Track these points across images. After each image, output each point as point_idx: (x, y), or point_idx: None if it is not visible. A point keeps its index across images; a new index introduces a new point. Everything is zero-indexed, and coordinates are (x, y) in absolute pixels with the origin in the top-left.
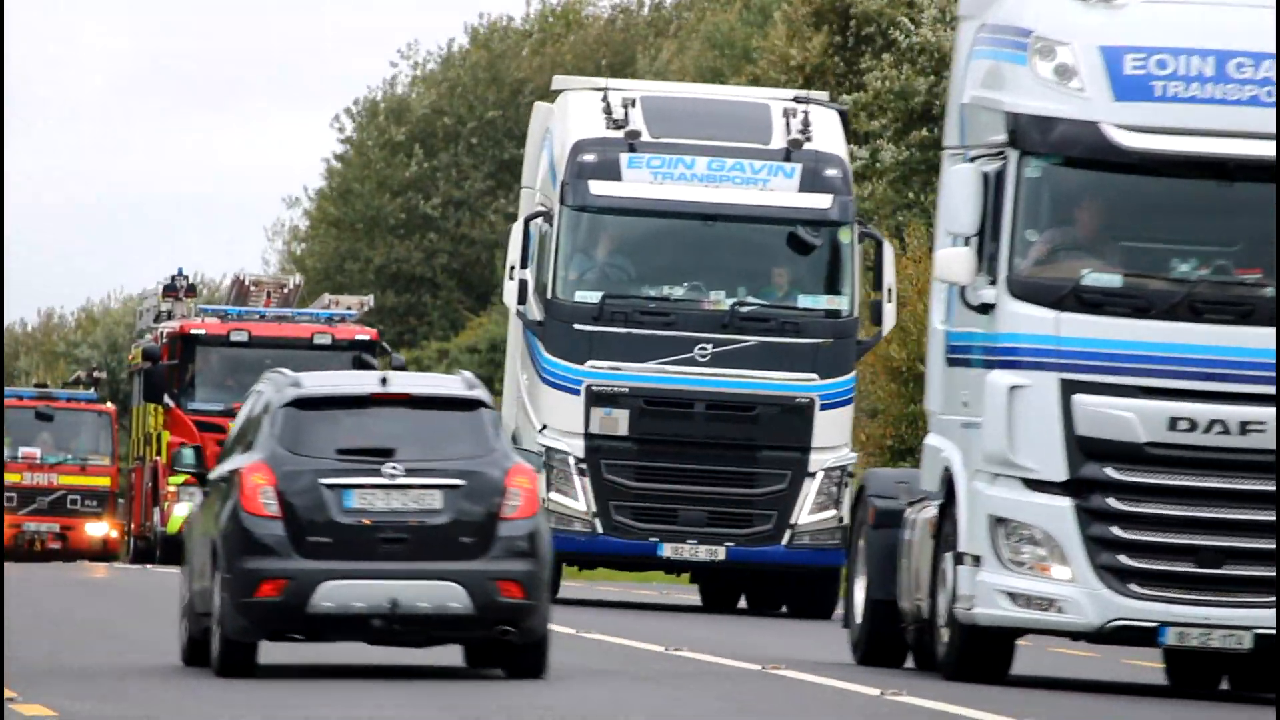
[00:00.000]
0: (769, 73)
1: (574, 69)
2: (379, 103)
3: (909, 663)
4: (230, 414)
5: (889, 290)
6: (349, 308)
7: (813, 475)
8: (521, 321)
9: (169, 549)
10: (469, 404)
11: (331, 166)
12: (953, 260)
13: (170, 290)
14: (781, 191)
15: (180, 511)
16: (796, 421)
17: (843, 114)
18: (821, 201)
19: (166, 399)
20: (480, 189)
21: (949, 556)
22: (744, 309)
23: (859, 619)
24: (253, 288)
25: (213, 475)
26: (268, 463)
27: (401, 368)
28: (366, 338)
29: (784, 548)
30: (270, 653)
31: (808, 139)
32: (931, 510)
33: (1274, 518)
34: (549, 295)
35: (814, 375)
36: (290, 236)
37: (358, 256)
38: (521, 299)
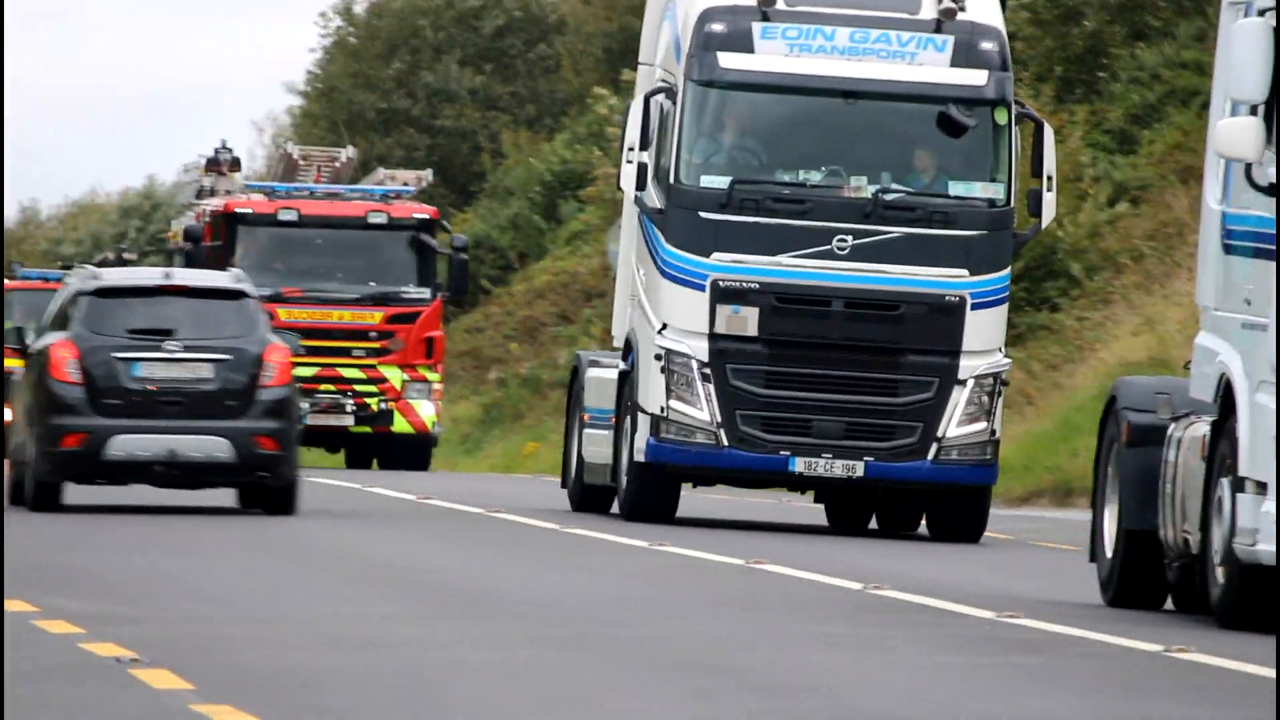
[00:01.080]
0: None
1: None
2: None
3: (1168, 604)
4: (279, 299)
5: (1049, 178)
6: (405, 183)
7: (962, 383)
8: (639, 210)
9: None
10: (235, 294)
11: (296, 84)
12: (1236, 131)
13: (213, 164)
14: (931, 66)
15: None
16: (945, 323)
17: None
18: (976, 78)
19: None
20: (458, 78)
21: (1226, 483)
22: (888, 196)
23: (1109, 553)
24: (301, 161)
25: (31, 350)
26: (73, 340)
27: (464, 249)
28: (425, 216)
29: (930, 463)
30: (78, 494)
31: (961, 9)
32: (1203, 426)
33: None
34: (671, 180)
35: (965, 271)
36: (277, 131)
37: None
38: (640, 185)
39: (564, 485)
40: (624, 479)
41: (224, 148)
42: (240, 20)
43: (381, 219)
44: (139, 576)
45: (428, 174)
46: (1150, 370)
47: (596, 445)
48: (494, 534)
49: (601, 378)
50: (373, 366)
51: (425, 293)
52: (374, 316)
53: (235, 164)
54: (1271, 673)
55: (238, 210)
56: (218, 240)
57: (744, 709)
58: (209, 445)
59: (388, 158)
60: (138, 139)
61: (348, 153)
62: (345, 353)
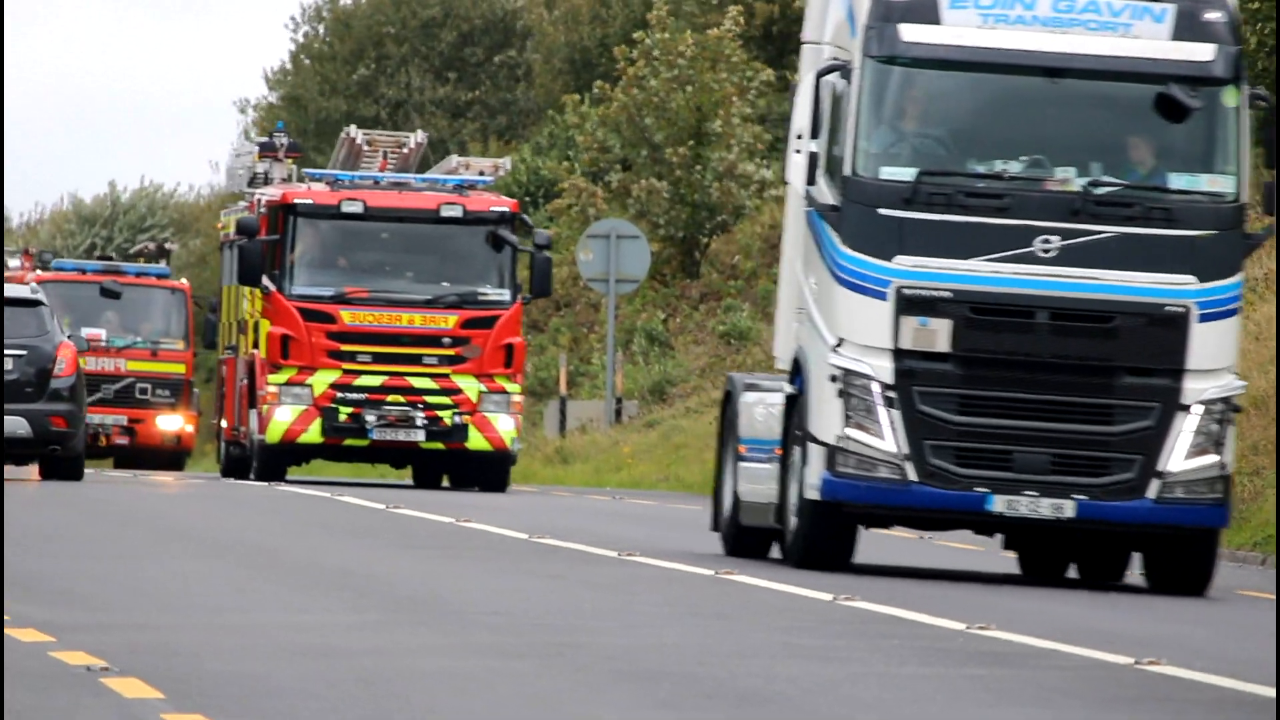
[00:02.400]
0: None
1: None
2: (322, 11)
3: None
4: (342, 300)
5: None
6: (482, 172)
7: (1187, 409)
8: (808, 206)
9: (268, 461)
10: (32, 303)
11: (274, 76)
12: None
13: (268, 149)
14: (1149, 39)
15: (283, 417)
16: (1168, 337)
17: None
18: (1201, 52)
19: (265, 281)
20: (419, 87)
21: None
22: (1099, 191)
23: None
24: (365, 147)
25: None
26: None
27: (547, 246)
28: (504, 209)
29: (1151, 503)
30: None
31: None
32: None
33: None
34: (847, 172)
35: (1191, 277)
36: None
37: (308, 160)
38: (810, 178)
39: (715, 527)
40: (792, 520)
41: (280, 130)
42: (212, 23)
43: (456, 211)
44: (101, 582)
45: (506, 162)
46: None
47: (755, 481)
48: (466, 544)
49: (761, 403)
50: (446, 376)
51: (504, 294)
52: (447, 320)
53: (293, 149)
54: (1242, 685)
55: (297, 201)
56: (274, 233)
57: (705, 716)
58: (12, 424)
59: None
60: (107, 146)
61: (417, 137)
62: (415, 360)
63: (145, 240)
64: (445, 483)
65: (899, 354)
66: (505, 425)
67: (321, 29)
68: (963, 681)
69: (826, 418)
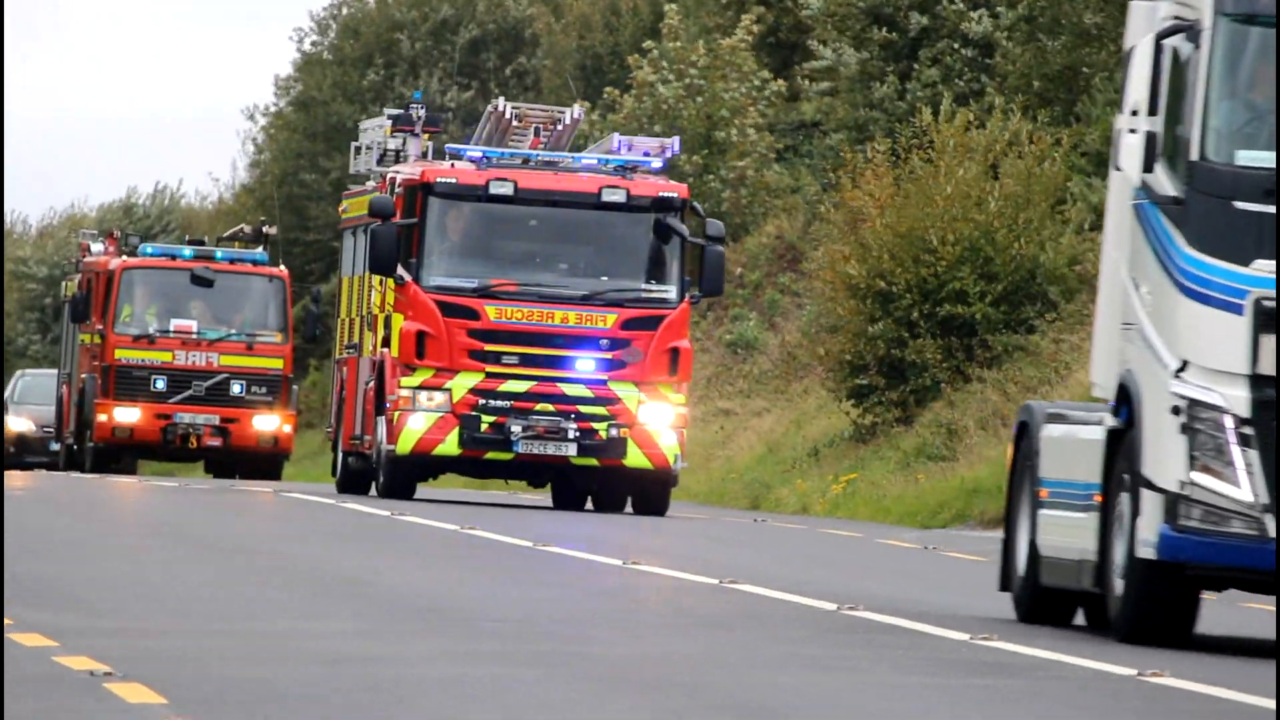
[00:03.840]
0: None
1: None
2: (330, 21)
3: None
4: (487, 293)
5: None
6: (647, 152)
7: None
8: (1141, 198)
9: (397, 475)
10: None
11: (284, 81)
12: None
13: (403, 123)
14: None
15: (416, 425)
16: None
17: None
18: None
19: (400, 271)
20: (437, 90)
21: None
22: None
23: (1021, 571)
24: (515, 122)
25: None
26: None
27: (720, 238)
28: (673, 195)
29: None
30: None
31: None
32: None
33: None
34: (1193, 156)
35: None
36: (254, 148)
37: (317, 166)
38: (1148, 164)
39: (1005, 586)
40: (1116, 582)
41: (416, 101)
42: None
43: (619, 196)
44: (105, 587)
45: (674, 143)
46: None
47: (1060, 533)
48: (467, 551)
49: (1070, 438)
50: (603, 383)
51: (670, 291)
52: (606, 320)
53: (431, 122)
54: (1246, 697)
55: (438, 180)
56: (411, 216)
57: None
58: None
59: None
60: (120, 157)
61: (574, 112)
62: (568, 364)
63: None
64: (589, 505)
65: (1258, 380)
66: (668, 440)
67: (331, 35)
68: (967, 692)
69: (1166, 458)
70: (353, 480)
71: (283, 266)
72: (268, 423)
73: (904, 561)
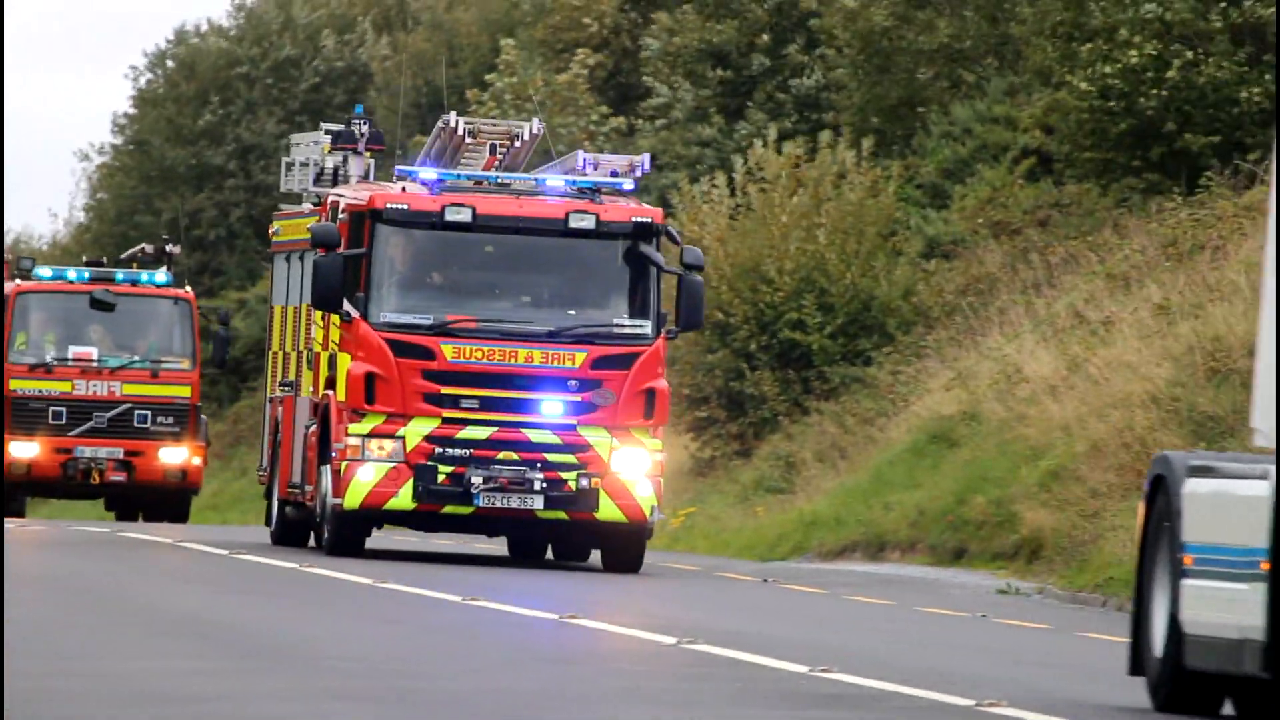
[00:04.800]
0: None
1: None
2: (167, 57)
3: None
4: (443, 331)
5: None
6: (615, 171)
7: None
8: None
9: (344, 531)
10: None
11: (119, 120)
12: None
13: (344, 140)
14: None
15: (366, 476)
16: None
17: None
18: None
19: (347, 306)
20: (274, 133)
21: None
22: None
23: (1158, 652)
24: (469, 139)
25: None
26: None
27: (698, 267)
28: (647, 220)
29: None
30: None
31: None
32: None
33: None
34: None
35: None
36: (90, 187)
37: (151, 208)
38: None
39: (1136, 669)
40: None
41: (359, 115)
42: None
43: (588, 222)
44: None
45: (644, 160)
46: (962, 423)
47: (1212, 607)
48: (308, 588)
49: (1225, 495)
50: (572, 428)
51: (645, 326)
52: (574, 358)
53: (375, 140)
54: None
55: (388, 206)
56: (358, 245)
57: None
58: None
59: (199, 213)
60: None
61: (533, 128)
62: (533, 408)
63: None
64: (549, 555)
65: None
66: (643, 491)
67: (163, 72)
68: None
69: None
70: (290, 532)
71: (188, 288)
72: (175, 455)
73: (743, 594)
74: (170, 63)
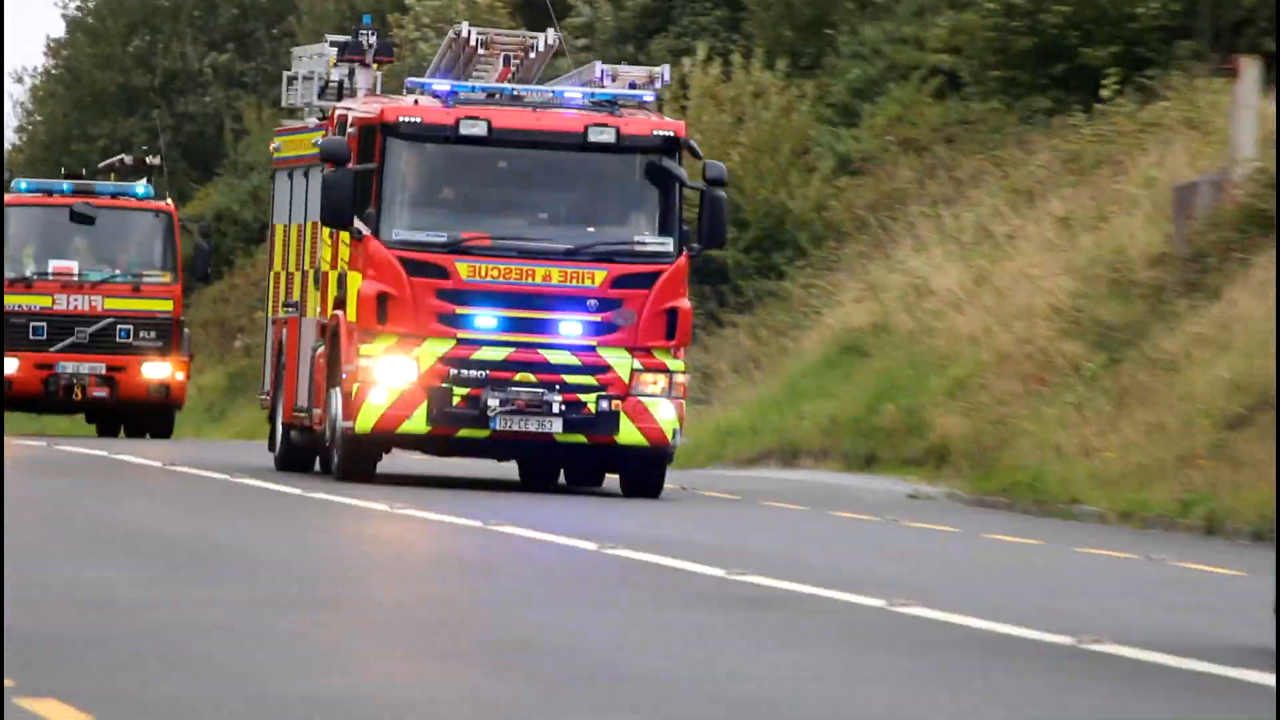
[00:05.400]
0: None
1: None
2: None
3: None
4: (457, 248)
5: None
6: (634, 83)
7: None
8: None
9: (355, 455)
10: None
11: (53, 44)
12: None
13: (351, 51)
14: None
15: (378, 399)
16: None
17: None
18: None
19: (358, 224)
20: (195, 55)
21: None
22: None
23: None
24: (481, 50)
25: None
26: None
27: (721, 182)
28: (668, 133)
29: None
30: None
31: None
32: None
33: None
34: None
35: None
36: (24, 112)
37: (85, 135)
38: None
39: None
40: None
41: (366, 27)
42: None
43: (608, 136)
44: None
45: (664, 71)
46: (872, 334)
47: None
48: (242, 499)
49: None
50: (591, 349)
51: (667, 244)
52: (594, 277)
53: (384, 51)
54: (989, 624)
55: (402, 120)
56: (368, 161)
57: (480, 665)
58: None
59: (130, 140)
60: None
61: (548, 38)
62: (552, 328)
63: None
64: (562, 479)
65: None
66: (665, 414)
67: (92, 2)
68: (724, 626)
69: None
70: (295, 457)
71: (169, 200)
72: (158, 371)
73: (663, 502)
74: None
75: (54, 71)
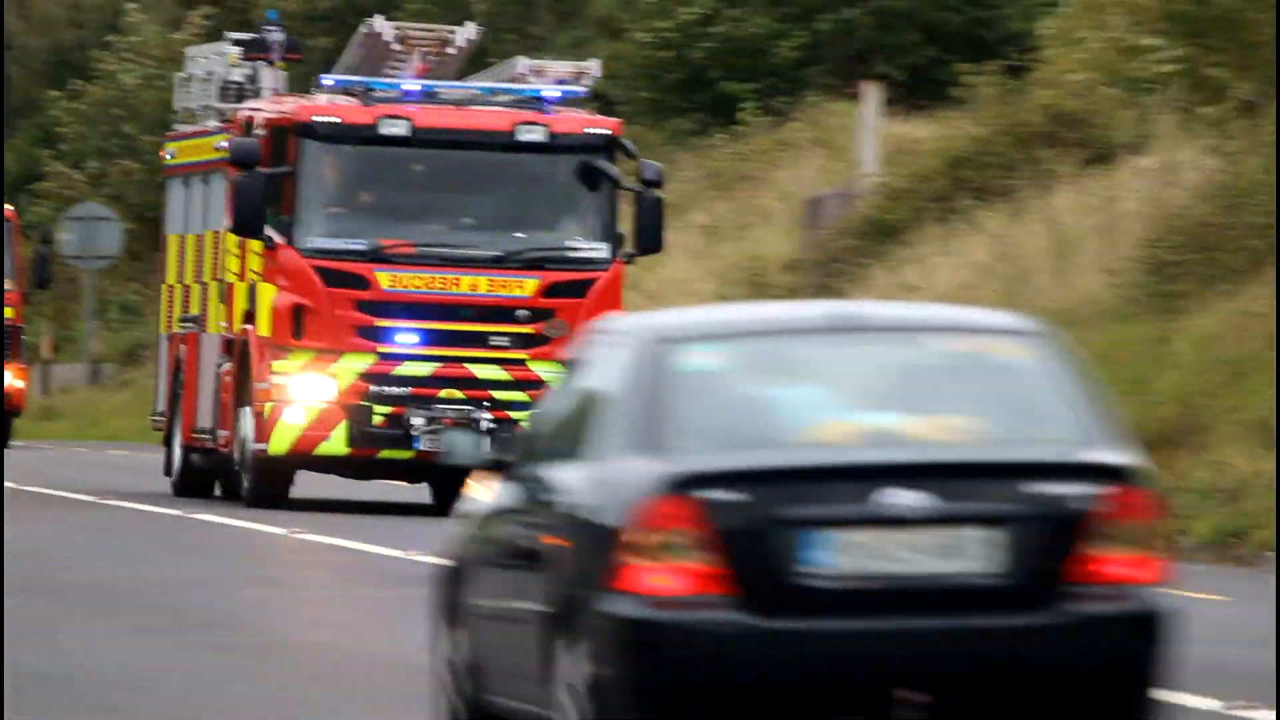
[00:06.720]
0: None
1: None
2: None
3: None
4: (378, 257)
5: None
6: (564, 78)
7: None
8: None
9: (268, 479)
10: None
11: None
12: None
13: (257, 49)
14: None
15: (294, 419)
16: None
17: None
18: None
19: (270, 231)
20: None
21: None
22: None
23: None
24: (396, 45)
25: None
26: None
27: (658, 182)
28: (604, 132)
29: None
30: None
31: None
32: None
33: None
34: None
35: None
36: None
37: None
38: None
39: None
40: None
41: (273, 21)
42: None
43: (537, 135)
44: None
45: (594, 65)
46: None
47: None
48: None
49: None
50: (521, 363)
51: (601, 249)
52: (524, 286)
53: (291, 48)
54: None
55: (317, 120)
56: (281, 164)
57: (179, 641)
58: None
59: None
60: None
61: (467, 32)
62: (480, 341)
63: None
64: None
65: None
66: None
67: None
68: (403, 601)
69: None
70: (195, 481)
71: (9, 206)
72: None
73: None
74: None
75: None
